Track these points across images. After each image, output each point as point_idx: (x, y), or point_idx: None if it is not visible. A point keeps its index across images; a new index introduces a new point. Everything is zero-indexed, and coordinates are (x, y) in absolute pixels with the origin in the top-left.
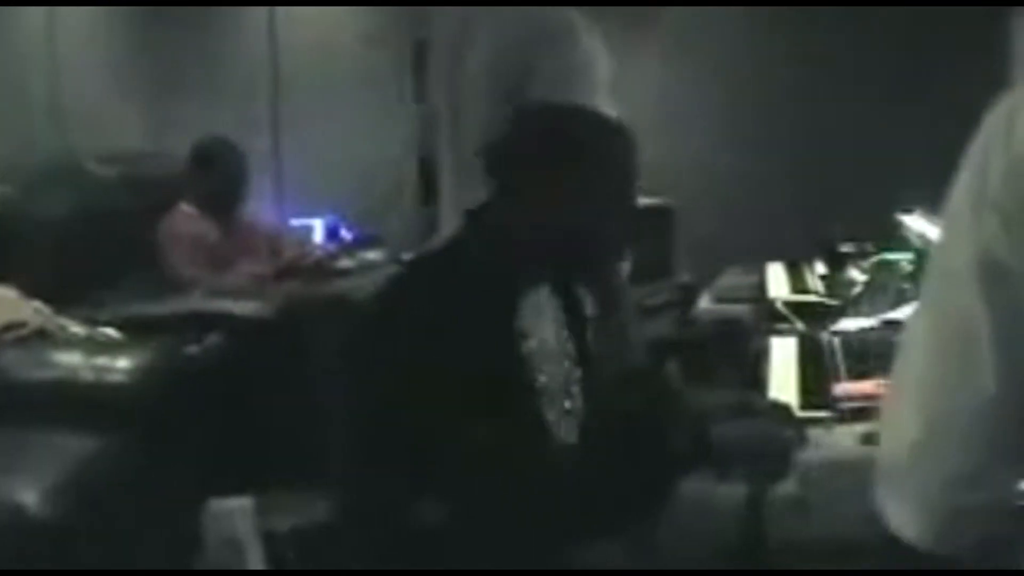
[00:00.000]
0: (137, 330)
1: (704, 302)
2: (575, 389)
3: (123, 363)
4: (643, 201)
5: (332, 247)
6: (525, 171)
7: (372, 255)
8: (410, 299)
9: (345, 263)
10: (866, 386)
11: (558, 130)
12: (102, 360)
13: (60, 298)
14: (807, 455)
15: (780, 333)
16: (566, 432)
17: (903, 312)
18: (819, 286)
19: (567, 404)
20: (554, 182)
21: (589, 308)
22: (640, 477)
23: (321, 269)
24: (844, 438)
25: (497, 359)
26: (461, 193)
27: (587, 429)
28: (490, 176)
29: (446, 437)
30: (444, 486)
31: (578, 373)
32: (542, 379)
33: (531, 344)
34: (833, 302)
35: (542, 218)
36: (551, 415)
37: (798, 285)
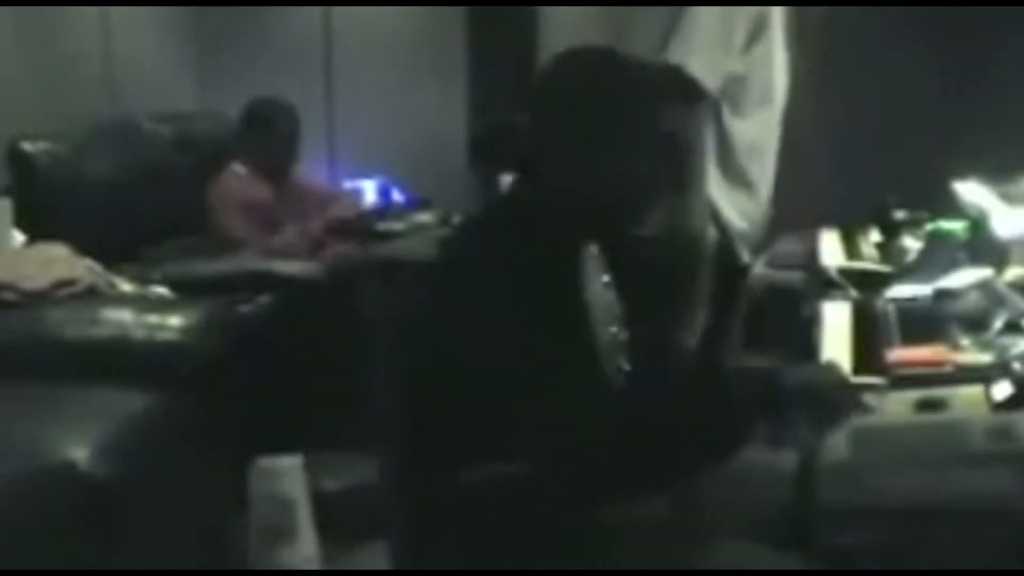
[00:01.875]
0: (189, 289)
1: (758, 268)
2: (626, 345)
3: (174, 321)
4: None
5: (382, 208)
6: (563, 117)
7: (422, 217)
8: (470, 256)
9: (396, 225)
10: (920, 353)
11: (587, 73)
12: (153, 318)
13: (112, 256)
14: (860, 421)
15: (834, 300)
16: (621, 386)
17: (957, 280)
18: (873, 254)
19: (620, 359)
20: (592, 128)
21: (636, 262)
22: (698, 429)
23: (365, 225)
24: (897, 404)
25: (557, 314)
26: None
27: (639, 383)
28: (533, 128)
29: (505, 395)
30: (501, 444)
31: (627, 328)
32: (599, 332)
33: (588, 296)
34: (887, 270)
35: (588, 166)
36: (608, 369)
37: (852, 252)
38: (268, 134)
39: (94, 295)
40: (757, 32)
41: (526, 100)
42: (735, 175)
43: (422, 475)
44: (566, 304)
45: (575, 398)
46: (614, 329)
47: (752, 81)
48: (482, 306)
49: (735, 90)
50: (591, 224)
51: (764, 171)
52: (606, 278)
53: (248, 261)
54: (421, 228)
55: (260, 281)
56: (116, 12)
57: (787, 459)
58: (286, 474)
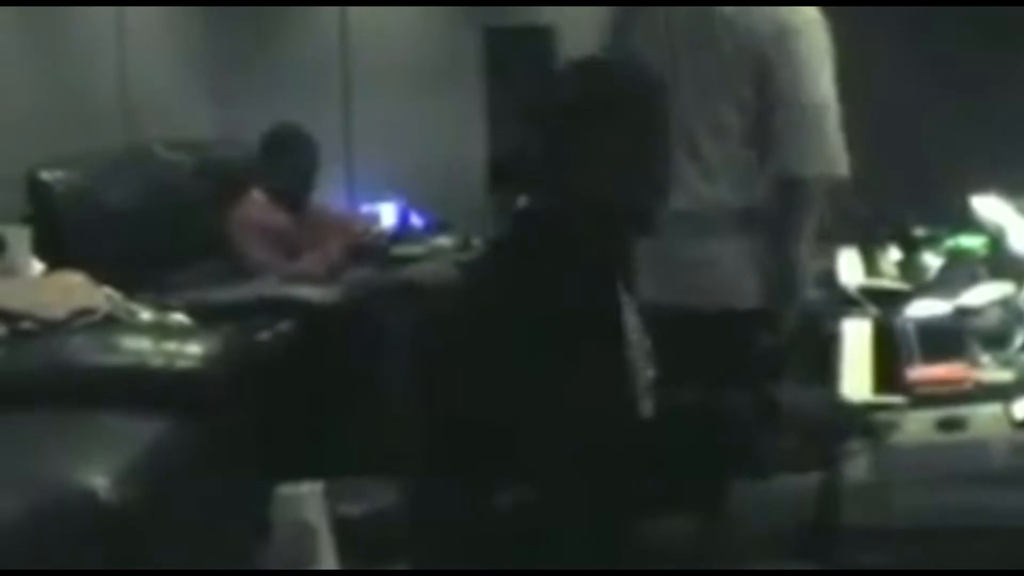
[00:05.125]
0: (207, 316)
1: None
2: (650, 364)
3: (193, 349)
4: None
5: (400, 232)
6: (577, 130)
7: (441, 240)
8: (497, 277)
9: (414, 248)
10: (940, 371)
11: (600, 86)
12: (172, 346)
13: (130, 284)
14: (881, 441)
15: (854, 317)
16: (646, 404)
17: (977, 297)
18: (893, 271)
19: (646, 377)
20: (600, 141)
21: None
22: (712, 451)
23: (383, 250)
24: (918, 423)
25: (594, 335)
26: None
27: (662, 403)
28: (548, 143)
29: (531, 417)
30: (525, 467)
31: (647, 345)
32: (632, 354)
33: (623, 317)
34: (907, 287)
35: (607, 175)
36: (637, 389)
37: (872, 270)
38: (286, 161)
39: (113, 323)
40: None
41: (542, 112)
42: None
43: (445, 499)
44: (597, 325)
45: (605, 419)
46: (646, 349)
47: None
48: (510, 329)
49: None
50: (610, 234)
51: None
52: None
53: (267, 287)
54: (440, 251)
55: (279, 307)
56: (132, 39)
57: (809, 478)
58: (307, 500)
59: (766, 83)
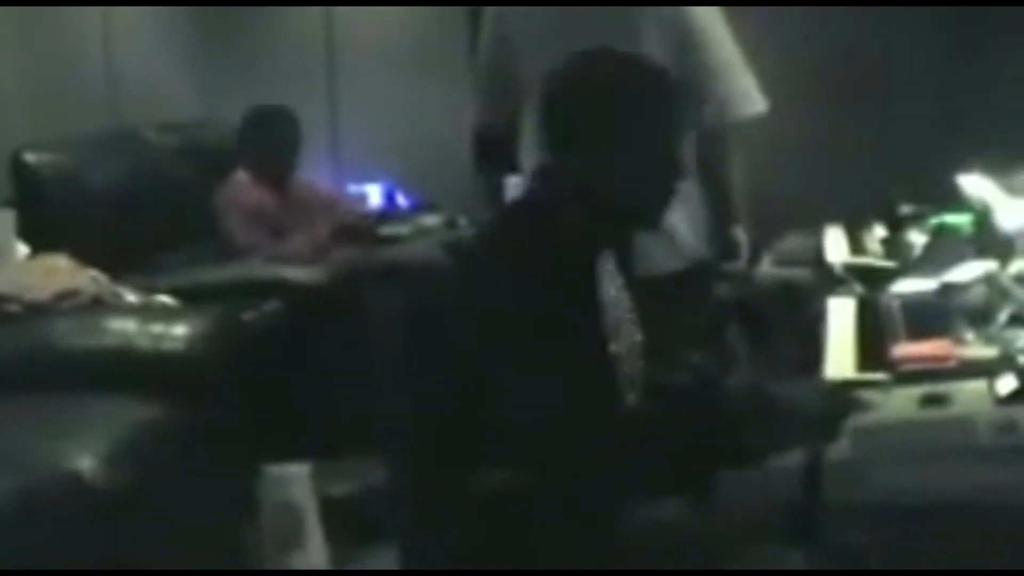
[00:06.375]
0: (194, 297)
1: (764, 265)
2: (636, 351)
3: (179, 330)
4: None
5: (387, 212)
6: (585, 120)
7: (428, 220)
8: (484, 260)
9: (401, 228)
10: (925, 348)
11: (612, 78)
12: (158, 328)
13: (116, 266)
14: (864, 418)
15: (839, 295)
16: (631, 392)
17: (962, 274)
18: (878, 249)
19: (630, 366)
20: (612, 132)
21: (642, 268)
22: (698, 440)
23: (371, 230)
24: (902, 400)
25: (577, 320)
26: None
27: (649, 390)
28: (552, 130)
29: (516, 400)
30: (508, 449)
31: (637, 335)
32: (613, 337)
33: (603, 301)
34: (892, 265)
35: (608, 170)
36: (621, 377)
37: (857, 248)
38: (266, 141)
39: (98, 306)
40: None
41: (543, 98)
42: None
43: (432, 481)
44: (581, 309)
45: (588, 403)
46: (629, 335)
47: None
48: (496, 310)
49: None
50: (606, 222)
51: None
52: (620, 284)
53: (253, 268)
54: (427, 231)
55: (266, 288)
56: (117, 20)
57: (792, 457)
58: (294, 481)
59: (684, 42)
